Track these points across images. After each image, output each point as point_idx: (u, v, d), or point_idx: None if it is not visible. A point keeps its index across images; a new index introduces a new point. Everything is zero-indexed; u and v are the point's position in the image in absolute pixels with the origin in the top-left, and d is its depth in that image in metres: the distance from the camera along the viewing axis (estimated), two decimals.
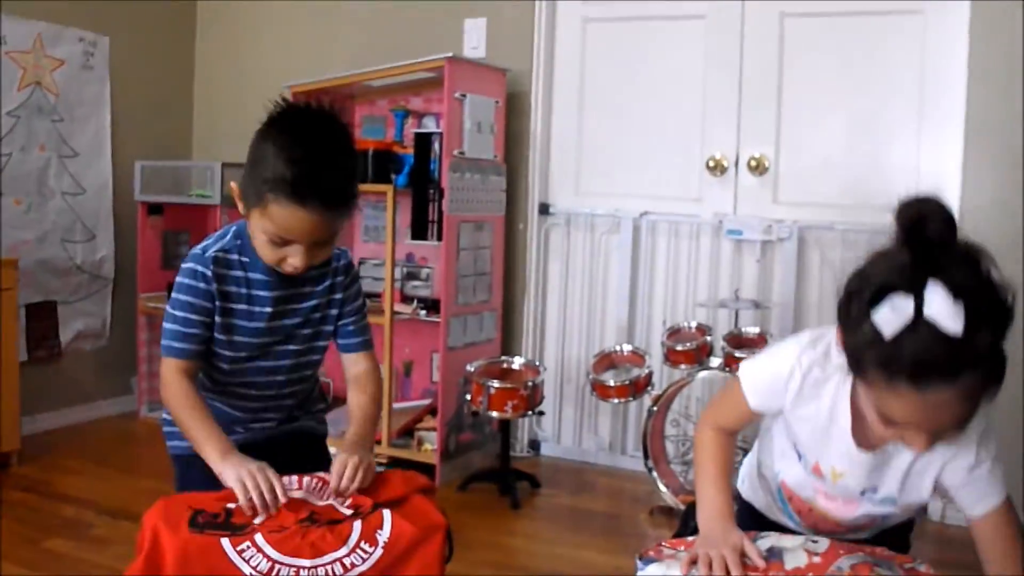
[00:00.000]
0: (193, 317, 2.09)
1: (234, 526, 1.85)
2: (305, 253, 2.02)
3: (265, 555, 1.83)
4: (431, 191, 4.60)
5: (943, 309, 1.40)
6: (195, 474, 2.07)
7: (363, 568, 1.86)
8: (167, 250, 5.50)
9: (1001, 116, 4.05)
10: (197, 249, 2.13)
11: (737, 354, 3.92)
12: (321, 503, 1.96)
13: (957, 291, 1.40)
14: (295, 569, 1.82)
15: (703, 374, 4.05)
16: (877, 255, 1.52)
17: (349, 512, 1.93)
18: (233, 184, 2.11)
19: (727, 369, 3.96)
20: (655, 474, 4.18)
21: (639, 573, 1.76)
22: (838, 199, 4.42)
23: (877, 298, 1.45)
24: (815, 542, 1.73)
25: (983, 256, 1.47)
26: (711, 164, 4.66)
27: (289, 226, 1.97)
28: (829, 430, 1.73)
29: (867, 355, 1.48)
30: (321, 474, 2.02)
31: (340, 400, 5.08)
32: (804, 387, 1.71)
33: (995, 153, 4.07)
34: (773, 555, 1.69)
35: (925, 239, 1.45)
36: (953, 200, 4.12)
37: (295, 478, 1.99)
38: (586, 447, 4.99)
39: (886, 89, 4.34)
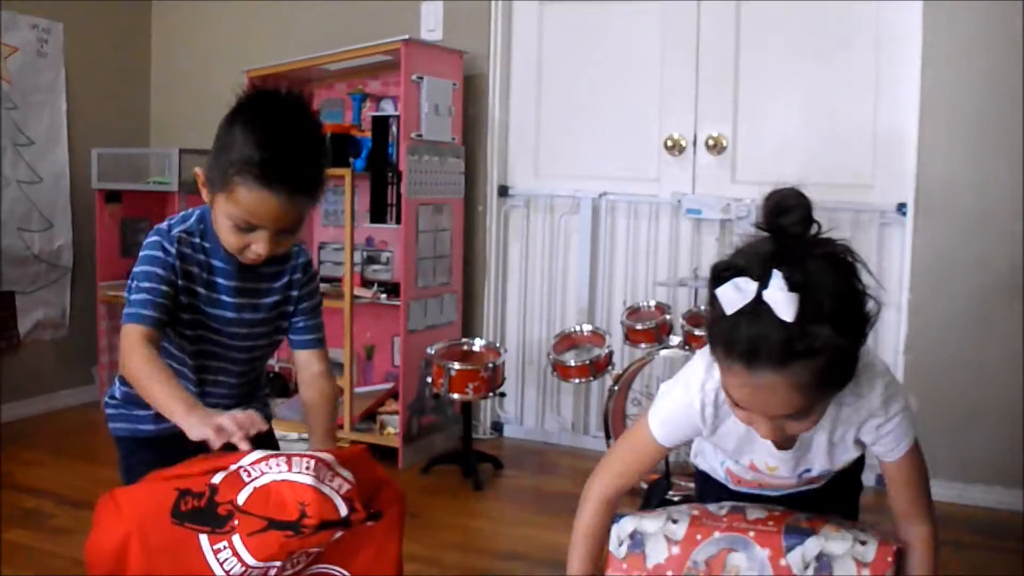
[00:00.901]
0: (163, 288, 2.04)
1: (217, 517, 1.80)
2: (270, 240, 2.00)
3: (240, 560, 1.80)
4: (389, 174, 4.58)
5: (778, 296, 1.45)
6: (140, 456, 2.06)
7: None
8: (126, 238, 5.45)
9: (956, 92, 4.08)
10: (163, 225, 2.10)
11: (697, 332, 3.92)
12: (324, 488, 1.87)
13: (796, 282, 1.45)
14: (264, 570, 1.82)
15: (663, 352, 4.06)
16: (745, 242, 1.56)
17: (344, 511, 1.86)
18: (197, 169, 2.07)
19: (687, 347, 3.97)
20: None
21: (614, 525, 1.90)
22: (796, 177, 4.38)
23: (726, 278, 1.50)
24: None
25: (846, 257, 1.53)
26: (669, 144, 4.66)
27: (255, 211, 1.95)
28: (751, 435, 1.77)
29: (714, 332, 1.54)
30: (312, 453, 1.93)
31: None
32: (718, 412, 1.76)
33: (950, 128, 4.10)
34: (736, 509, 1.81)
35: (781, 229, 1.50)
36: (910, 175, 4.16)
37: (283, 459, 1.89)
38: (549, 428, 5.00)
39: (842, 67, 4.36)
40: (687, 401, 1.76)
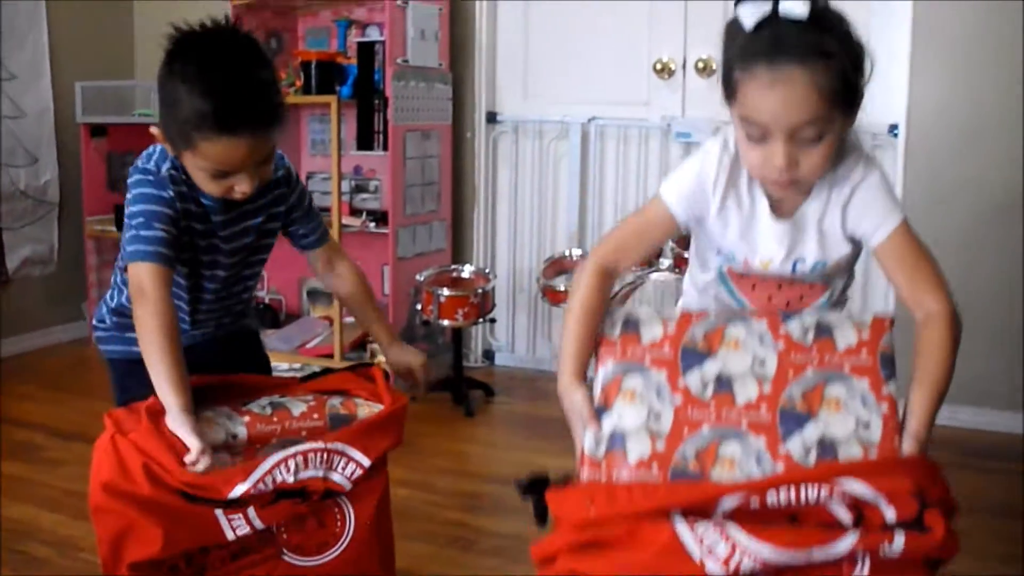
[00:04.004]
0: (173, 230, 1.99)
1: (229, 501, 1.82)
2: (250, 177, 1.95)
3: (251, 525, 1.85)
4: (376, 101, 4.54)
5: (793, 3, 1.58)
6: (136, 377, 2.03)
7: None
8: (112, 172, 5.40)
9: (949, 11, 4.02)
10: (150, 166, 2.02)
11: (686, 255, 3.90)
12: (335, 476, 1.92)
13: None
14: None
15: (654, 276, 4.04)
16: None
17: (349, 488, 1.91)
18: (154, 129, 1.99)
19: (677, 270, 3.96)
20: None
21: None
22: None
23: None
24: (762, 364, 1.71)
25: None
26: (658, 67, 4.61)
27: (225, 159, 1.90)
28: (752, 218, 1.80)
29: (734, 61, 1.64)
30: (327, 447, 1.92)
31: (292, 316, 5.08)
32: (728, 185, 1.79)
33: (943, 47, 4.05)
34: (722, 386, 1.70)
35: None
36: (901, 95, 4.11)
37: (300, 458, 1.88)
38: (540, 355, 5.00)
39: None
40: (702, 171, 1.78)
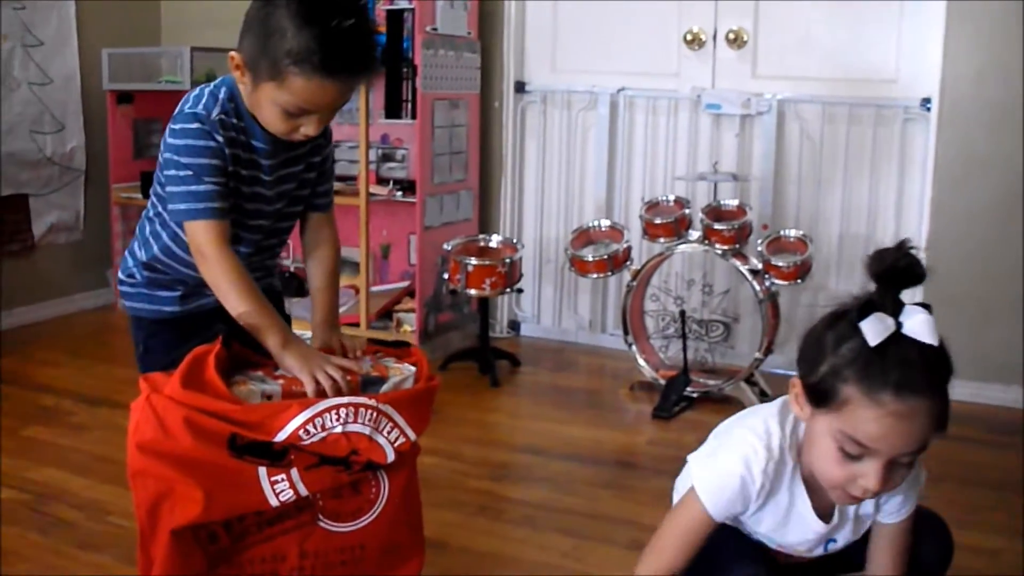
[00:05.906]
0: (224, 180, 1.97)
1: (273, 452, 1.81)
2: (320, 121, 1.96)
3: (295, 490, 1.83)
4: (404, 69, 4.52)
5: (922, 324, 1.54)
6: (162, 337, 2.02)
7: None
8: (139, 140, 5.40)
9: None
10: (199, 111, 1.97)
11: (716, 226, 3.88)
12: (379, 438, 1.90)
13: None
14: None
15: (682, 247, 4.01)
16: (848, 299, 1.64)
17: (392, 459, 1.90)
18: (234, 54, 1.96)
19: (706, 242, 3.93)
20: (634, 349, 4.17)
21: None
22: (818, 72, 4.36)
23: (864, 313, 1.56)
24: None
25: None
26: (688, 38, 4.57)
27: (312, 98, 1.89)
28: (789, 516, 1.80)
29: (847, 373, 1.56)
30: (379, 407, 1.91)
31: None
32: (765, 485, 1.75)
33: (977, 20, 4.00)
34: None
35: (908, 256, 1.59)
36: (935, 69, 4.07)
37: (351, 409, 1.88)
38: (566, 326, 4.99)
39: None
40: (743, 472, 1.74)
